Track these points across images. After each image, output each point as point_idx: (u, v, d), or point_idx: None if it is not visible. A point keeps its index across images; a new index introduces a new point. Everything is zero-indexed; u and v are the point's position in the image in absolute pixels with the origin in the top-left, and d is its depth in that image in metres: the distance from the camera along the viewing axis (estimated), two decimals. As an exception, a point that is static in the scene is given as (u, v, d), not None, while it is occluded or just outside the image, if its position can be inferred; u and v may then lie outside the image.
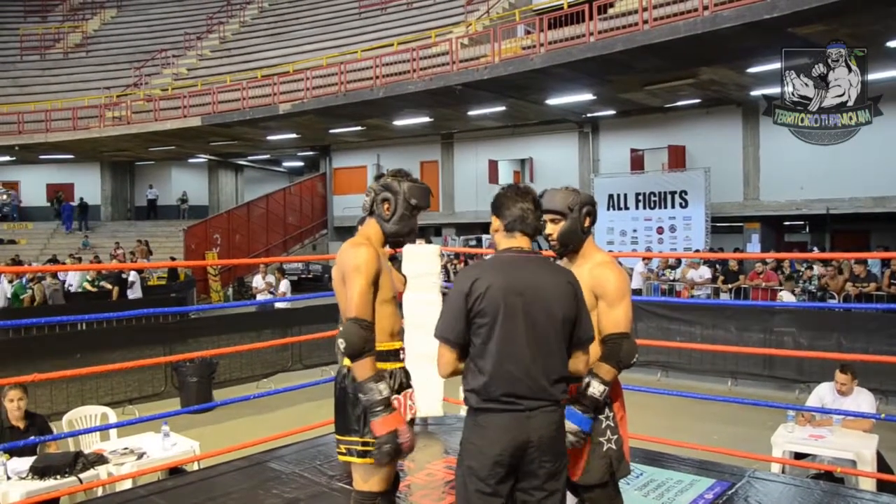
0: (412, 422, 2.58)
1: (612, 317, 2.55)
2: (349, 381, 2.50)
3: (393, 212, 2.60)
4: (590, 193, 2.77)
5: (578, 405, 2.49)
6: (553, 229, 2.65)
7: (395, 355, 2.57)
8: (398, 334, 2.61)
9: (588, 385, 2.50)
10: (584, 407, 2.49)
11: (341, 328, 2.45)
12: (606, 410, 2.58)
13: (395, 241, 2.70)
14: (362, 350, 2.39)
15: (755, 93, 14.04)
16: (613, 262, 2.69)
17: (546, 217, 2.62)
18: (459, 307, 2.26)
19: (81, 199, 23.82)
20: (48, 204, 24.64)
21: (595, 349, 2.52)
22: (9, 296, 12.95)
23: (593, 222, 2.68)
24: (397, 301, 2.67)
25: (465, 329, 2.27)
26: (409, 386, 2.60)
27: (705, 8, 10.81)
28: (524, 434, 2.22)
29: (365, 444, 2.48)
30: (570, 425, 2.46)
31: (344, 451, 2.54)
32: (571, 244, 2.66)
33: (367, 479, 2.53)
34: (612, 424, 2.59)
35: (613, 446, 2.57)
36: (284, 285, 11.80)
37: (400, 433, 2.39)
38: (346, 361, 2.52)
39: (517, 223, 2.35)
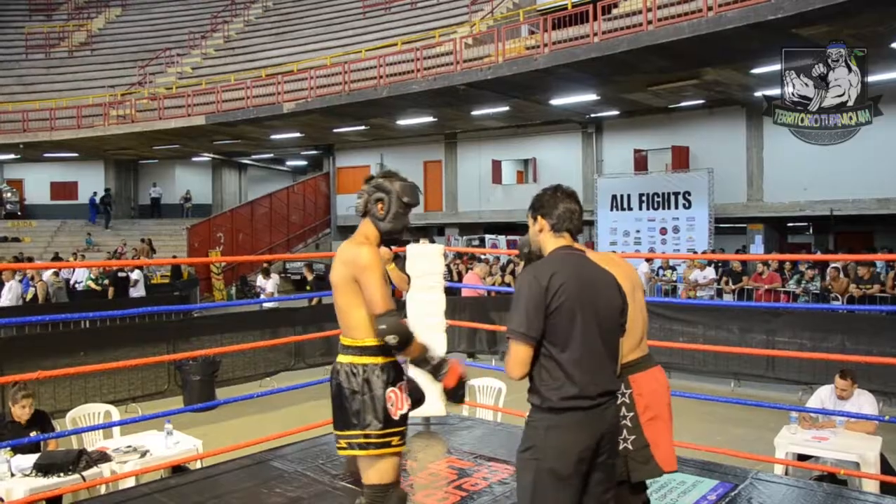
0: (406, 416, 2.66)
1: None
2: (345, 377, 2.61)
3: (387, 211, 2.68)
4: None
5: None
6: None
7: (385, 350, 2.63)
8: None
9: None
10: None
11: (381, 324, 2.54)
12: (623, 410, 2.63)
13: (390, 239, 2.80)
14: (411, 335, 2.58)
15: (759, 93, 14.02)
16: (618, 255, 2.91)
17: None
18: (539, 302, 2.24)
19: (108, 190, 24.07)
20: (55, 202, 24.74)
21: None
22: (51, 287, 13.00)
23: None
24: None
25: (543, 325, 2.25)
26: (402, 378, 2.71)
27: (710, 9, 10.79)
28: (602, 427, 2.28)
29: (366, 436, 2.55)
30: None
31: (345, 445, 2.62)
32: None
33: (377, 471, 2.60)
34: (630, 425, 2.63)
35: (630, 446, 2.61)
36: (271, 285, 11.80)
37: (465, 378, 2.68)
38: (341, 357, 2.65)
39: (565, 222, 2.41)
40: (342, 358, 2.65)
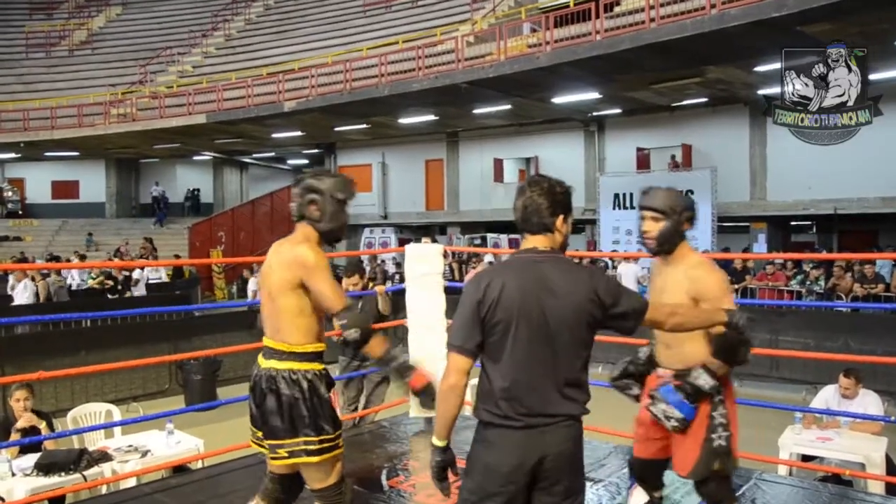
0: (338, 419, 2.66)
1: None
2: (285, 384, 2.52)
3: (322, 211, 2.63)
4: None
5: (681, 389, 2.50)
6: (651, 227, 2.63)
7: (319, 357, 2.62)
8: (322, 339, 2.67)
9: (697, 375, 2.50)
10: (685, 393, 2.50)
11: (341, 320, 2.47)
12: (721, 408, 2.61)
13: (330, 238, 2.72)
14: (372, 331, 2.52)
15: (762, 91, 13.99)
16: (709, 262, 2.70)
17: (646, 214, 2.61)
18: (474, 312, 2.11)
19: (163, 191, 24.16)
20: (56, 201, 24.76)
21: (700, 347, 2.54)
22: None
23: (691, 226, 2.73)
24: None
25: (481, 338, 2.12)
26: (333, 383, 2.73)
27: (712, 6, 10.75)
28: (539, 451, 2.07)
29: (321, 441, 2.51)
30: (671, 410, 2.48)
31: (285, 454, 2.53)
32: (668, 245, 2.66)
33: (330, 473, 2.59)
34: (724, 421, 2.62)
35: (723, 442, 2.60)
36: (252, 283, 11.79)
37: (433, 380, 2.49)
38: (276, 364, 2.55)
39: (520, 222, 2.24)
40: (278, 364, 2.54)
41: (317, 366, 2.60)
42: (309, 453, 2.51)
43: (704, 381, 2.50)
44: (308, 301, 2.54)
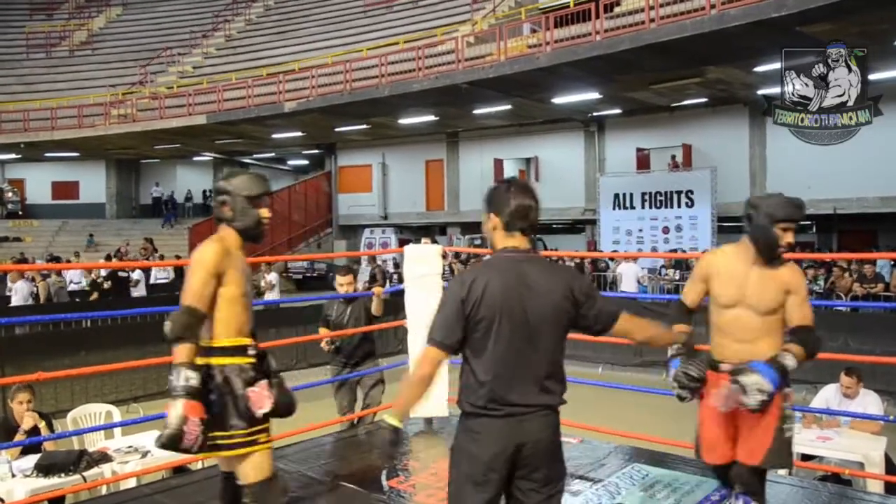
0: (270, 413, 2.64)
1: (803, 311, 2.78)
2: (205, 378, 2.56)
3: (234, 210, 2.67)
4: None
5: (773, 364, 2.65)
6: (792, 238, 2.87)
7: (241, 351, 2.62)
8: (246, 333, 2.67)
9: (783, 357, 2.68)
10: (775, 368, 2.64)
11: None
12: (789, 401, 2.78)
13: (249, 236, 2.74)
14: (182, 336, 2.49)
15: (762, 92, 13.99)
16: (795, 263, 3.00)
17: (791, 226, 2.84)
18: (458, 308, 2.19)
19: (171, 193, 24.19)
20: (56, 202, 24.78)
21: (775, 342, 2.77)
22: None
23: None
24: (251, 302, 2.74)
25: (462, 335, 2.21)
26: (260, 378, 2.65)
27: (712, 6, 10.76)
28: (518, 438, 2.17)
29: (231, 436, 2.55)
30: (764, 383, 2.59)
31: (225, 445, 2.57)
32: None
33: (252, 468, 2.60)
34: (791, 415, 2.79)
35: (791, 435, 2.76)
36: (274, 277, 11.88)
37: (189, 422, 2.42)
38: (199, 360, 2.57)
39: (518, 221, 2.26)
40: (199, 360, 2.58)
41: (236, 360, 2.61)
42: (220, 447, 2.56)
43: (790, 361, 2.68)
44: (224, 294, 2.59)
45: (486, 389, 2.18)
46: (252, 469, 2.61)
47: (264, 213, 2.73)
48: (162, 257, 18.01)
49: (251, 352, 2.68)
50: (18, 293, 11.83)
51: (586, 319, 2.28)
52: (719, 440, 2.88)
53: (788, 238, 2.83)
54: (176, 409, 2.43)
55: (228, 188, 2.69)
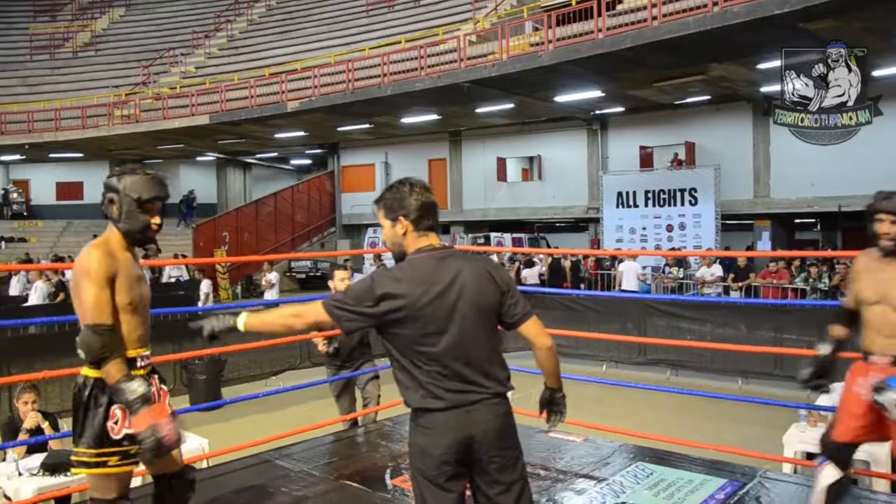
0: (131, 436, 2.44)
1: None
2: (76, 390, 2.44)
3: (120, 211, 2.48)
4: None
5: None
6: (891, 229, 2.93)
7: (132, 364, 2.44)
8: (139, 341, 2.50)
9: None
10: None
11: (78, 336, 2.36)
12: None
13: (133, 240, 2.54)
14: (103, 355, 2.33)
15: (766, 89, 13.95)
16: None
17: (885, 217, 2.94)
18: (365, 299, 2.17)
19: (191, 191, 24.14)
20: (61, 202, 24.85)
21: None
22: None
23: None
24: (144, 306, 2.55)
25: (363, 325, 2.25)
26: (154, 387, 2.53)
27: (715, 3, 10.73)
28: (466, 430, 2.17)
29: (99, 455, 2.39)
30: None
31: (76, 462, 2.44)
32: None
33: (96, 487, 2.45)
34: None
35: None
36: (274, 276, 11.96)
37: (160, 427, 2.28)
38: (84, 370, 2.44)
39: (426, 220, 2.26)
40: (86, 370, 2.46)
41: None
42: (78, 464, 2.43)
43: None
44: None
45: (431, 383, 2.18)
46: (95, 490, 2.45)
47: (155, 220, 2.54)
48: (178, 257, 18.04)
49: (141, 363, 2.50)
50: (38, 291, 12.05)
51: (510, 308, 2.29)
52: (855, 420, 3.00)
53: (885, 228, 2.95)
54: (142, 423, 2.29)
55: (118, 187, 2.47)
